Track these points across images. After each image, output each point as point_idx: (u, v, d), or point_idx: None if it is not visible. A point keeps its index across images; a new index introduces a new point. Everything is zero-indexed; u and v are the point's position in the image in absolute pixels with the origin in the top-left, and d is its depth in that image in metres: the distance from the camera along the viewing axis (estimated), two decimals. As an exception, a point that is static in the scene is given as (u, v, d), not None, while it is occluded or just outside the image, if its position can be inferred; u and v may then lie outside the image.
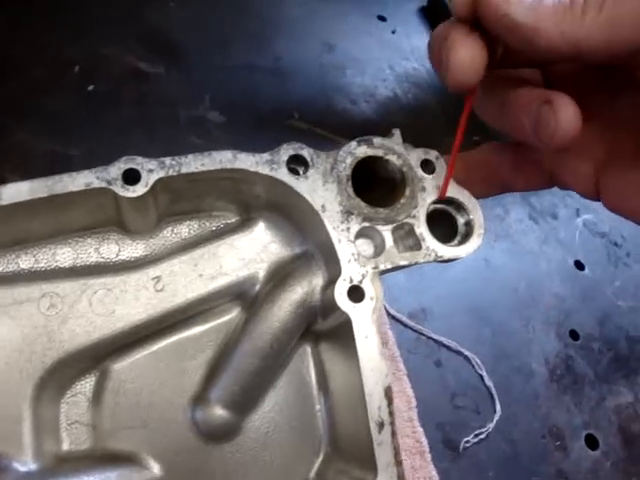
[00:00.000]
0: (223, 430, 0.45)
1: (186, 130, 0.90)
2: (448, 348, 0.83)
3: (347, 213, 0.41)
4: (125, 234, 0.45)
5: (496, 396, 0.80)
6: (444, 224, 0.44)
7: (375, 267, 0.40)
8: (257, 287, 0.45)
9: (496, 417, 0.79)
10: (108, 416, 0.44)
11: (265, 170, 0.40)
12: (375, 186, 0.44)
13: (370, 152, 0.42)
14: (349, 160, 0.42)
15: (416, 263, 0.41)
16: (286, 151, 0.41)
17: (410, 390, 0.74)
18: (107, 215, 0.43)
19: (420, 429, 0.72)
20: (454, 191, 0.43)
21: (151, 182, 0.39)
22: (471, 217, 0.43)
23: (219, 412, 0.44)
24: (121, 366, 0.45)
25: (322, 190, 0.41)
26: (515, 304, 0.92)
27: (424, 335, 0.82)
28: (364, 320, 0.39)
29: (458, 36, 0.33)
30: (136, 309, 0.43)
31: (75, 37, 0.93)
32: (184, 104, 0.93)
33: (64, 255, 0.44)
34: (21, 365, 0.41)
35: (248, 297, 0.46)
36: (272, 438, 0.46)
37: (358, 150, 0.42)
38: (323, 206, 0.41)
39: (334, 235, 0.40)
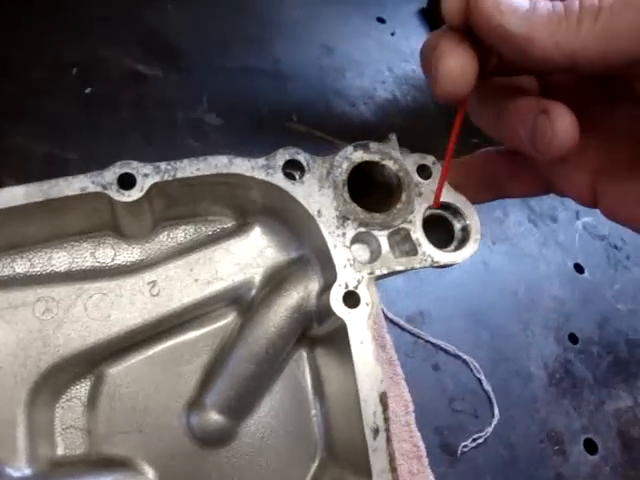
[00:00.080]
0: (218, 435, 0.45)
1: (184, 133, 0.90)
2: (446, 352, 0.82)
3: (343, 218, 0.41)
4: (121, 238, 0.45)
5: (494, 400, 0.80)
6: (440, 229, 0.44)
7: (371, 272, 0.40)
8: (253, 292, 0.45)
9: (494, 421, 0.79)
10: (103, 421, 0.44)
11: (261, 175, 0.40)
12: (371, 191, 0.44)
13: (366, 157, 0.42)
14: (345, 165, 0.42)
15: (412, 268, 0.41)
16: (282, 156, 0.41)
17: (408, 394, 0.74)
18: (103, 219, 0.43)
19: (418, 433, 0.72)
20: (450, 196, 0.43)
21: (146, 187, 0.39)
22: (467, 222, 0.43)
23: (214, 417, 0.44)
24: (116, 371, 0.45)
25: (318, 195, 0.41)
26: (514, 307, 0.91)
27: (422, 339, 0.82)
28: (359, 326, 0.39)
29: (447, 46, 0.33)
30: (132, 314, 0.43)
31: (73, 39, 0.93)
32: (182, 107, 0.93)
33: (60, 259, 0.44)
34: (16, 369, 0.41)
35: (244, 302, 0.46)
36: (268, 443, 0.46)
37: (354, 155, 0.42)
38: (319, 211, 0.40)
39: (330, 240, 0.40)
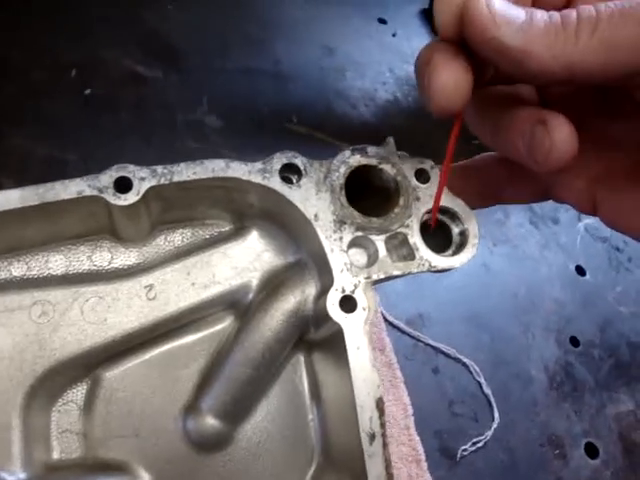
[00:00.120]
0: (215, 440, 0.45)
1: (184, 134, 0.90)
2: (446, 355, 0.82)
3: (340, 222, 0.40)
4: (118, 242, 0.45)
5: (494, 403, 0.80)
6: (438, 234, 0.43)
7: (368, 277, 0.40)
8: (250, 296, 0.45)
9: (494, 425, 0.78)
10: (99, 425, 0.44)
11: (258, 179, 0.40)
12: (369, 195, 0.44)
13: (364, 161, 0.42)
14: (343, 169, 0.41)
15: (409, 273, 0.41)
16: (279, 160, 0.41)
17: (407, 397, 0.73)
18: (99, 223, 0.43)
19: (417, 437, 0.71)
20: (449, 201, 0.42)
21: (143, 190, 0.39)
22: (466, 227, 0.42)
23: (211, 421, 0.44)
24: (113, 374, 0.45)
25: (315, 199, 0.40)
26: (514, 310, 0.91)
27: (422, 342, 0.82)
28: (356, 331, 0.39)
29: (441, 59, 0.32)
30: (128, 317, 0.43)
31: (73, 40, 0.93)
32: (182, 108, 0.93)
33: (57, 263, 0.44)
34: (11, 373, 0.41)
35: (241, 306, 0.45)
36: (264, 448, 0.46)
37: (352, 159, 0.42)
38: (316, 215, 0.40)
39: (327, 244, 0.40)
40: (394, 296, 0.85)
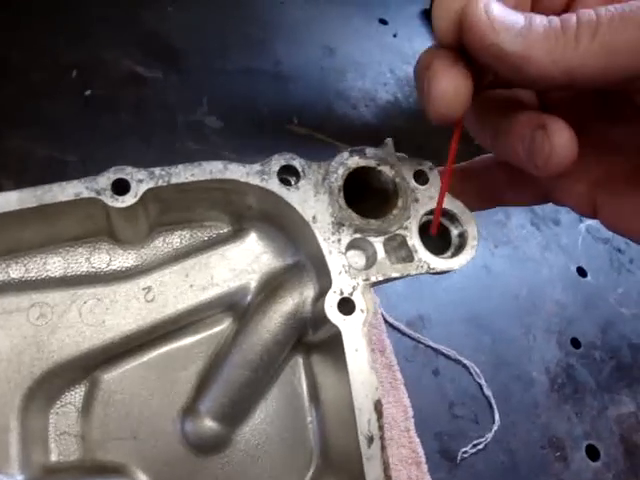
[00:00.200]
0: (213, 442, 0.45)
1: (183, 135, 0.90)
2: (446, 356, 0.82)
3: (338, 224, 0.40)
4: (116, 244, 0.45)
5: (495, 405, 0.80)
6: (437, 235, 0.43)
7: (366, 279, 0.40)
8: (249, 298, 0.45)
9: (495, 427, 0.78)
10: (97, 427, 0.44)
11: (256, 181, 0.40)
12: (368, 196, 0.43)
13: (362, 163, 0.42)
14: (341, 171, 0.41)
15: (408, 275, 0.41)
16: (277, 161, 0.40)
17: (407, 399, 0.73)
18: (98, 225, 0.42)
19: (417, 439, 0.71)
20: (448, 202, 0.42)
21: (140, 192, 0.38)
22: (465, 228, 0.42)
23: (209, 424, 0.44)
24: (111, 376, 0.45)
25: (313, 201, 0.40)
26: (516, 311, 0.91)
27: (422, 343, 0.82)
28: (354, 333, 0.39)
29: (441, 66, 0.31)
30: (126, 319, 0.43)
31: (73, 41, 0.93)
32: (182, 109, 0.93)
33: (55, 265, 0.44)
34: (9, 375, 0.41)
35: (240, 308, 0.45)
36: (263, 450, 0.46)
37: (350, 161, 0.42)
38: (314, 217, 0.40)
39: (325, 246, 0.40)
40: (395, 297, 0.84)
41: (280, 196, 0.40)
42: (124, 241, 0.44)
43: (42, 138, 0.83)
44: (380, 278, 0.40)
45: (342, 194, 0.41)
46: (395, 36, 1.25)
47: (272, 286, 0.44)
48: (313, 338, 0.45)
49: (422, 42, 1.25)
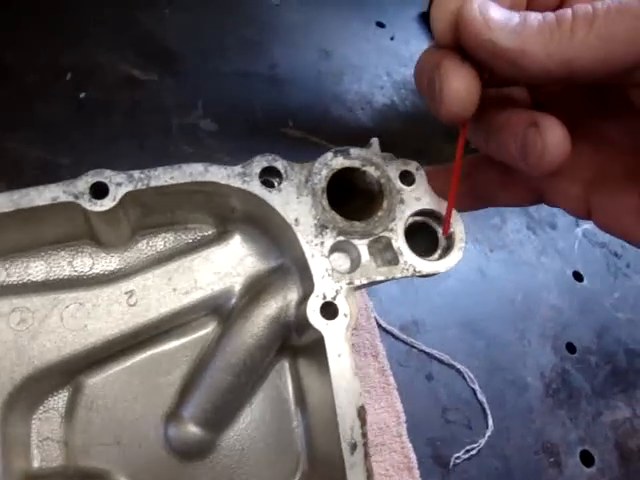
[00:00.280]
0: (197, 447, 0.44)
1: (178, 139, 0.90)
2: (440, 361, 0.81)
3: (322, 227, 0.40)
4: (99, 247, 0.44)
5: (489, 411, 0.79)
6: (424, 237, 0.43)
7: (350, 283, 0.39)
8: (233, 301, 0.44)
9: (488, 432, 0.77)
10: (81, 432, 0.44)
11: (237, 183, 0.39)
12: (354, 197, 0.43)
13: (347, 163, 0.41)
14: (324, 172, 0.41)
15: (393, 278, 0.40)
16: (259, 163, 0.40)
17: (399, 404, 0.72)
18: (79, 229, 0.42)
19: (409, 444, 0.70)
20: (434, 203, 0.42)
21: (119, 196, 0.38)
22: (452, 230, 0.41)
23: (192, 429, 0.43)
24: (94, 381, 0.44)
25: (296, 203, 0.40)
26: (510, 316, 0.90)
27: (415, 348, 0.81)
28: (337, 338, 0.38)
29: (452, 65, 0.32)
30: (108, 324, 0.43)
31: (68, 43, 0.93)
32: (177, 112, 0.92)
33: (37, 269, 0.44)
34: (-11, 381, 0.40)
35: (224, 311, 0.45)
36: (248, 455, 0.45)
37: (334, 161, 0.41)
38: (296, 220, 0.40)
39: (307, 249, 0.39)
40: (388, 301, 0.84)
41: (262, 198, 0.39)
42: (107, 244, 0.44)
43: (36, 141, 0.82)
44: (364, 282, 0.40)
45: (325, 195, 0.40)
46: (392, 39, 1.24)
47: (256, 289, 0.43)
48: (298, 342, 0.44)
49: (419, 45, 1.24)
